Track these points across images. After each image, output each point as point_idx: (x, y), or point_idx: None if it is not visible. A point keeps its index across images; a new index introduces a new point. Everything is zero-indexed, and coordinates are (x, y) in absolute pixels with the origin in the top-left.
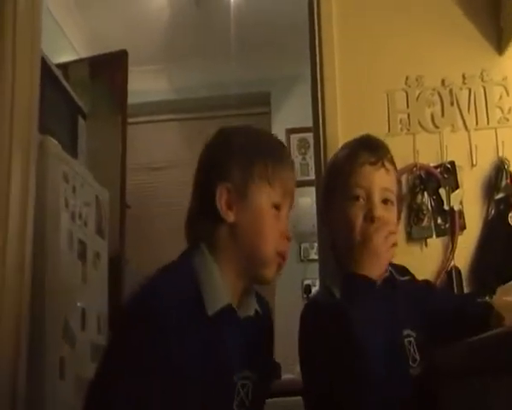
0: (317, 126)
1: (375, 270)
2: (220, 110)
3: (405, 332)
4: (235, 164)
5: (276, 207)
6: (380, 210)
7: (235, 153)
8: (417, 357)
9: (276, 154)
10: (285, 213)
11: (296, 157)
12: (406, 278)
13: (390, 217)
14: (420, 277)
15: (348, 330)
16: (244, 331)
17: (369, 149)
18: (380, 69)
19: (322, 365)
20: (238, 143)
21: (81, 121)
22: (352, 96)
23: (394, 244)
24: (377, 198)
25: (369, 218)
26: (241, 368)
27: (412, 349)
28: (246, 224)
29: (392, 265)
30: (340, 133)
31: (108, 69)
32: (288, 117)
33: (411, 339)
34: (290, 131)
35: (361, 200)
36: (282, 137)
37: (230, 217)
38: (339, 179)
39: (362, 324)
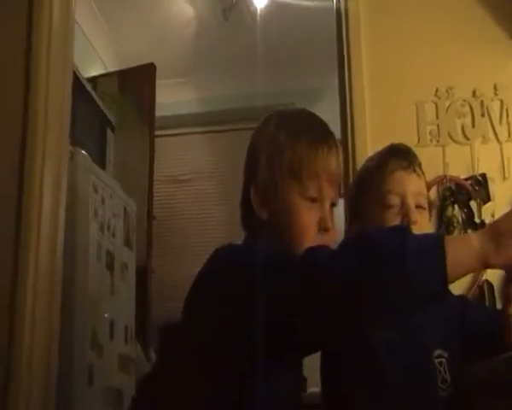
0: (346, 137)
1: None
2: (245, 122)
3: (437, 352)
4: (264, 157)
5: (313, 199)
6: (415, 215)
7: (265, 143)
8: (448, 378)
9: (309, 141)
10: (324, 204)
11: None
12: None
13: (423, 222)
14: (452, 291)
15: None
16: None
17: (399, 154)
18: (409, 80)
19: None
20: (268, 132)
21: (110, 133)
22: (381, 107)
23: None
24: (412, 203)
25: (407, 222)
26: None
27: (443, 370)
28: (279, 220)
29: None
30: (369, 144)
31: (136, 82)
32: None
33: (443, 360)
34: None
35: (395, 207)
36: None
37: (264, 215)
38: (370, 190)
39: (388, 344)
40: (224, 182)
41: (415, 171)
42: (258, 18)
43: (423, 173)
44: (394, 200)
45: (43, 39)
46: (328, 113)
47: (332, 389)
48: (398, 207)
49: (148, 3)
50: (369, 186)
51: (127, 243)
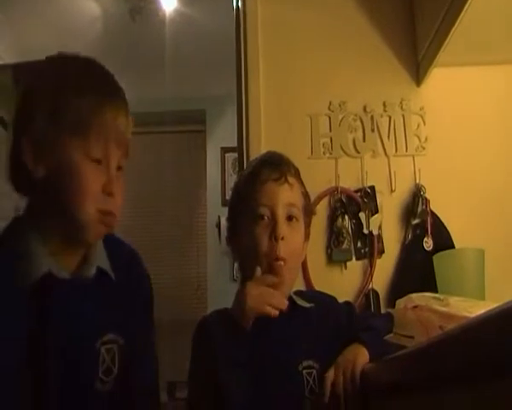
0: (241, 147)
1: (244, 320)
2: (154, 126)
3: (305, 363)
4: (44, 109)
5: (98, 161)
6: (284, 228)
7: (43, 94)
8: (316, 388)
9: (97, 98)
10: (110, 167)
11: (231, 176)
12: (311, 305)
13: (294, 235)
14: (339, 299)
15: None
16: (87, 293)
17: (271, 165)
18: (304, 94)
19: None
20: (48, 84)
21: (1, 130)
22: (276, 119)
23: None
24: (281, 215)
25: (274, 237)
26: (102, 331)
27: (312, 381)
28: (58, 180)
29: (299, 292)
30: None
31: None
32: (223, 136)
33: (313, 371)
34: (225, 150)
35: (266, 218)
36: (217, 155)
37: (40, 172)
38: (243, 200)
39: (227, 364)
40: (130, 183)
41: (286, 181)
42: (167, 21)
43: (300, 182)
44: (264, 211)
45: None
46: None
47: None
48: (269, 220)
49: None
50: (242, 196)
51: None
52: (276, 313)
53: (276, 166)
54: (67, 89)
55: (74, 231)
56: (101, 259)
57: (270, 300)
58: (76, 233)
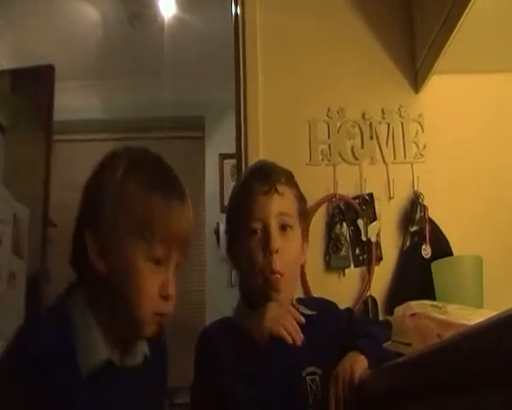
0: (240, 154)
1: (261, 336)
2: (153, 132)
3: (309, 369)
4: (108, 205)
5: (158, 261)
6: (278, 241)
7: (109, 190)
8: (319, 395)
9: (162, 198)
10: (169, 268)
11: (229, 182)
12: (313, 312)
13: (289, 245)
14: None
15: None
16: (131, 381)
17: (261, 179)
18: (302, 100)
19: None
20: (114, 177)
21: None
22: (274, 125)
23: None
24: (274, 227)
25: (268, 251)
26: None
27: (315, 387)
28: (118, 278)
29: (300, 299)
30: None
31: (32, 83)
32: (221, 142)
33: (315, 377)
34: (224, 157)
35: (259, 232)
36: (215, 161)
37: (101, 267)
38: (236, 215)
39: (234, 375)
40: None
41: (276, 191)
42: (166, 28)
43: (292, 187)
44: (257, 225)
45: None
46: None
47: None
48: (262, 233)
49: (49, 3)
50: (236, 211)
51: (16, 251)
52: (291, 340)
53: (265, 178)
54: (135, 186)
55: (130, 325)
56: (144, 344)
57: (285, 324)
58: (131, 328)
